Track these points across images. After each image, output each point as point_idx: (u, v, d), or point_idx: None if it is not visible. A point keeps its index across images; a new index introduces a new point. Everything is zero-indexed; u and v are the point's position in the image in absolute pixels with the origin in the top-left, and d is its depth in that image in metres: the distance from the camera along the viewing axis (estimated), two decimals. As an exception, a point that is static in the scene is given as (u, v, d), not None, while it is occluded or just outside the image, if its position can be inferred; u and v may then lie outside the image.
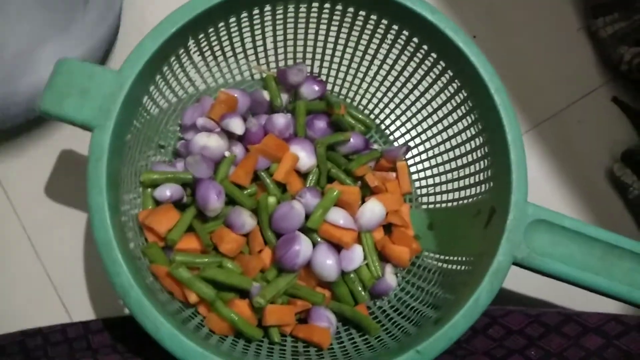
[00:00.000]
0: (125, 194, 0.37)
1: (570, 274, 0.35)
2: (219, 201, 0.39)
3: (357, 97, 0.48)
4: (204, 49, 0.40)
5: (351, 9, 0.39)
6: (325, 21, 0.41)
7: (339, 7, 0.39)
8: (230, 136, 0.42)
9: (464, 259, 0.39)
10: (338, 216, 0.40)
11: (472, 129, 0.40)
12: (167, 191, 0.39)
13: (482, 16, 0.55)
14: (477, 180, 0.40)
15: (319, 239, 0.40)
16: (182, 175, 0.40)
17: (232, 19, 0.39)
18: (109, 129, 0.33)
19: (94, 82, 0.33)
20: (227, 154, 0.42)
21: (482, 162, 0.40)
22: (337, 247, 0.41)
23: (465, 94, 0.39)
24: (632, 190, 0.50)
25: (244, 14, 0.39)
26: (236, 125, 0.41)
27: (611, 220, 0.52)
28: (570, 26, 0.56)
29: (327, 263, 0.39)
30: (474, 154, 0.41)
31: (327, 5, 0.39)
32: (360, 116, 0.47)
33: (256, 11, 0.39)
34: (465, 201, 0.42)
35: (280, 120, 0.42)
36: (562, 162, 0.52)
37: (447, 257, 0.42)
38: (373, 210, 0.42)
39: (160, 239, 0.38)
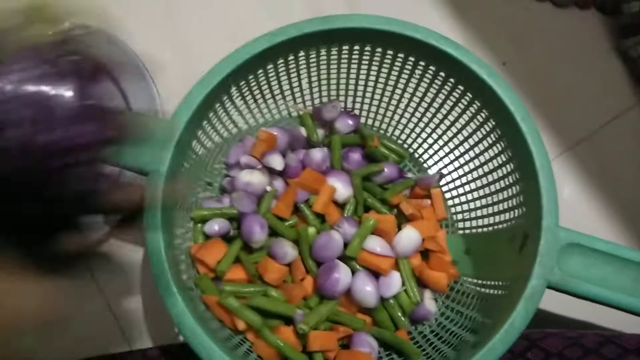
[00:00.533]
0: (178, 228, 0.40)
1: (605, 296, 0.35)
2: (262, 233, 0.42)
3: (390, 128, 0.51)
4: (245, 94, 0.44)
5: (379, 49, 0.42)
6: (356, 60, 0.44)
7: (368, 48, 0.42)
8: (271, 171, 0.45)
9: (500, 283, 0.40)
10: (375, 244, 0.42)
11: (502, 156, 0.42)
12: (215, 226, 0.43)
13: (512, 41, 0.57)
14: (510, 205, 0.41)
15: (358, 267, 0.42)
16: (228, 210, 0.43)
17: (270, 66, 0.42)
18: (162, 173, 0.36)
19: (148, 131, 0.37)
20: (268, 188, 0.45)
21: (513, 188, 0.41)
22: (376, 274, 0.42)
23: (494, 123, 0.41)
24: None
25: (280, 61, 0.42)
26: (276, 162, 0.44)
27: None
28: (601, 46, 0.57)
29: (367, 289, 0.41)
30: (506, 180, 0.42)
31: (356, 47, 0.42)
32: (393, 146, 0.49)
33: (291, 57, 0.42)
34: (500, 226, 0.43)
35: (317, 154, 0.45)
36: (596, 184, 0.52)
37: (484, 282, 0.43)
38: (409, 236, 0.43)
39: (210, 270, 0.41)
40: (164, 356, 0.45)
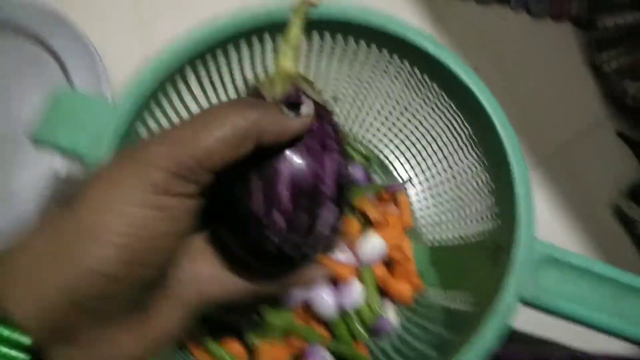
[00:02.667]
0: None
1: (581, 314, 0.33)
2: None
3: (357, 128, 0.48)
4: (202, 80, 0.40)
5: (352, 40, 0.39)
6: (329, 51, 0.41)
7: (339, 37, 0.39)
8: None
9: (469, 297, 0.38)
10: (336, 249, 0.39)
11: (477, 165, 0.39)
12: None
13: (483, 49, 0.55)
14: (483, 217, 0.39)
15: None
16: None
17: (232, 50, 0.38)
18: (101, 160, 0.32)
19: (90, 113, 0.32)
20: None
21: (488, 199, 0.38)
22: (336, 283, 0.39)
23: (470, 130, 0.38)
24: (640, 227, 0.49)
25: (244, 46, 0.38)
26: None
27: (618, 257, 0.50)
28: (574, 60, 0.56)
29: (325, 299, 0.38)
30: (480, 191, 0.39)
31: (326, 36, 0.39)
32: (360, 148, 0.46)
33: (254, 38, 0.38)
34: (471, 238, 0.40)
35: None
36: (567, 199, 0.51)
37: (451, 296, 0.40)
38: (374, 244, 0.40)
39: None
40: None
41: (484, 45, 0.55)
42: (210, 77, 0.40)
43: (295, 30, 0.30)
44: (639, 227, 0.49)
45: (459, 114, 0.39)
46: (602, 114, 0.53)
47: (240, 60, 0.40)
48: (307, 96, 0.29)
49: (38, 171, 0.46)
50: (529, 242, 0.33)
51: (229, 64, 0.40)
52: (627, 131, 0.54)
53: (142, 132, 0.37)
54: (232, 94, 0.44)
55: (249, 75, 0.43)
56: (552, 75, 0.55)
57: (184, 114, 0.42)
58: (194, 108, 0.42)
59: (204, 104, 0.42)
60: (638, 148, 0.53)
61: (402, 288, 0.41)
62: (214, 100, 0.43)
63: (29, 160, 0.47)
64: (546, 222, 0.50)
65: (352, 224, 0.40)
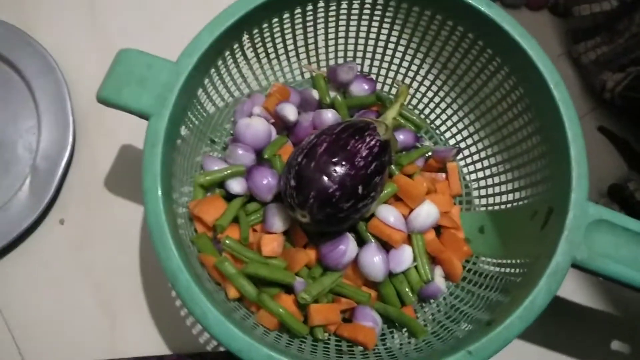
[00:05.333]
0: (180, 186, 0.38)
1: (632, 278, 0.33)
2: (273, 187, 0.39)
3: (407, 97, 0.48)
4: (257, 45, 0.41)
5: (404, 5, 0.39)
6: (378, 17, 0.41)
7: (392, 2, 0.39)
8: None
9: (518, 261, 0.38)
10: (389, 214, 0.39)
11: (528, 127, 0.39)
12: (236, 186, 0.40)
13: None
14: (533, 181, 0.39)
15: (369, 238, 0.40)
16: (233, 170, 0.40)
17: (286, 15, 0.39)
18: (165, 117, 0.33)
19: (152, 72, 0.34)
20: (274, 134, 0.43)
21: (538, 162, 0.38)
22: (387, 248, 0.40)
23: (522, 91, 0.38)
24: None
25: (298, 10, 0.39)
26: (289, 111, 0.41)
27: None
28: (553, 51, 0.53)
29: (374, 261, 0.38)
30: (530, 153, 0.39)
31: (380, 0, 0.39)
32: (410, 115, 0.47)
33: (309, 7, 0.39)
34: (520, 202, 0.40)
35: (328, 114, 0.42)
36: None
37: (499, 261, 0.40)
38: (429, 212, 0.40)
39: (208, 229, 0.39)
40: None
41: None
42: (264, 45, 0.41)
43: (401, 101, 0.41)
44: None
45: (512, 76, 0.38)
46: (583, 107, 0.49)
47: (293, 29, 0.41)
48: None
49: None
50: (582, 204, 0.33)
51: (282, 32, 0.41)
52: (609, 125, 0.51)
53: (201, 93, 0.38)
54: (285, 64, 0.45)
55: (301, 48, 0.44)
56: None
57: (239, 80, 0.43)
58: (246, 72, 0.43)
59: (257, 68, 0.44)
60: (620, 142, 0.50)
61: (455, 266, 0.41)
62: (266, 65, 0.44)
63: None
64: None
65: (418, 183, 0.42)
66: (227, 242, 0.38)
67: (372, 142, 0.37)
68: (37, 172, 0.47)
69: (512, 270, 0.38)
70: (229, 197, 0.41)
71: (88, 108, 0.51)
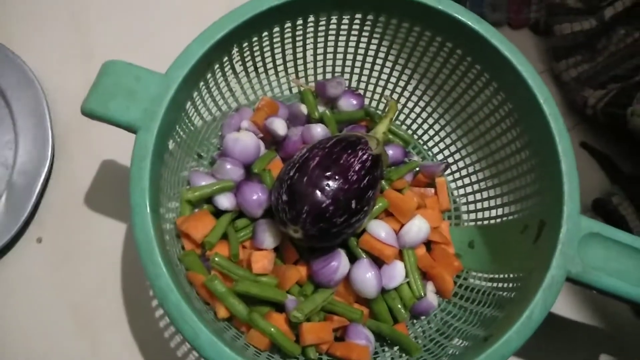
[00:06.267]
0: (167, 201, 0.37)
1: (626, 291, 0.33)
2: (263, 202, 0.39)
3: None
4: (247, 59, 0.40)
5: (394, 21, 0.39)
6: (367, 33, 0.41)
7: (382, 18, 0.39)
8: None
9: (509, 276, 0.38)
10: (380, 229, 0.39)
11: (516, 142, 0.39)
12: (225, 202, 0.40)
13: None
14: (522, 195, 0.39)
15: (361, 253, 0.39)
16: (222, 185, 0.40)
17: (276, 29, 0.39)
18: (153, 131, 0.32)
19: (141, 84, 0.33)
20: (263, 149, 0.42)
21: (527, 176, 0.38)
22: (378, 263, 0.39)
23: (511, 107, 0.38)
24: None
25: (288, 25, 0.39)
26: (279, 125, 0.41)
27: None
28: (535, 69, 0.53)
29: (367, 277, 0.38)
30: (519, 168, 0.39)
31: (370, 16, 0.39)
32: (398, 131, 0.47)
33: (299, 22, 0.39)
34: (510, 217, 0.40)
35: (318, 129, 0.42)
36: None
37: (491, 275, 0.40)
38: (420, 227, 0.40)
39: (197, 246, 0.38)
40: None
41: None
42: (253, 59, 0.41)
43: (390, 116, 0.42)
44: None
45: (501, 92, 0.39)
46: (565, 124, 0.51)
47: (283, 43, 0.41)
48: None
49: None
50: (575, 217, 0.33)
51: (271, 46, 0.41)
52: (591, 140, 0.51)
53: (189, 107, 0.38)
54: (273, 78, 0.45)
55: (290, 62, 0.44)
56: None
57: (227, 94, 0.43)
58: (234, 85, 0.42)
59: (245, 82, 0.43)
60: (602, 158, 0.51)
61: (447, 282, 0.41)
62: (254, 79, 0.44)
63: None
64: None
65: (409, 198, 0.41)
66: (217, 259, 0.36)
67: (365, 157, 0.36)
68: (14, 188, 0.46)
69: (504, 285, 0.38)
70: (218, 212, 0.40)
71: (69, 122, 0.49)
